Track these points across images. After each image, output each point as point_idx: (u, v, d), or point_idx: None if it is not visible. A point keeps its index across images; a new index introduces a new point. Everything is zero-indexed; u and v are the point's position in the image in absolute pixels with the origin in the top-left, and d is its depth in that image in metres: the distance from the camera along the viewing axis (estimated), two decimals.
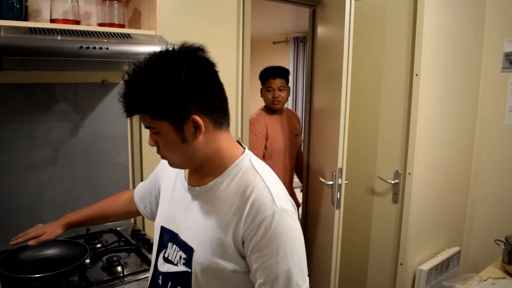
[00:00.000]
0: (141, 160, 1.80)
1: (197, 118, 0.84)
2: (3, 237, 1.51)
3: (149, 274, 1.04)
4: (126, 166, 1.80)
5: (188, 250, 0.91)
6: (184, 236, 0.93)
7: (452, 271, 2.50)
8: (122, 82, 0.85)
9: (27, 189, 1.57)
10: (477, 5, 2.42)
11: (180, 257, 0.93)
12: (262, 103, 2.63)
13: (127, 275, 1.38)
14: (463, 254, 2.62)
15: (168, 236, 0.98)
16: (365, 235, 2.50)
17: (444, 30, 2.21)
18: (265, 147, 2.50)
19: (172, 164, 0.93)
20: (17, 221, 1.55)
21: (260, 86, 2.61)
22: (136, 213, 1.25)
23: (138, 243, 1.63)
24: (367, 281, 2.54)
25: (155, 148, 0.92)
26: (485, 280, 1.79)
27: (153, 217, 1.21)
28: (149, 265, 1.45)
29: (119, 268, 1.40)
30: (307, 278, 0.87)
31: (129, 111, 0.85)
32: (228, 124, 0.93)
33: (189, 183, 0.97)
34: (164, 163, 1.09)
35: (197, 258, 0.89)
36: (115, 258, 1.45)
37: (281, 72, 2.56)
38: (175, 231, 0.96)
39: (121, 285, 1.35)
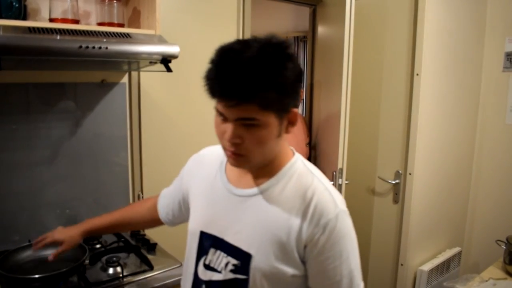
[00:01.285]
0: (141, 160, 1.80)
1: (296, 111, 0.83)
2: (3, 237, 1.51)
3: (186, 282, 0.98)
4: (126, 166, 1.79)
5: (242, 256, 0.87)
6: (234, 241, 0.88)
7: (453, 271, 2.49)
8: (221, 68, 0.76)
9: (26, 189, 1.56)
10: (478, 5, 2.41)
11: (228, 263, 0.88)
12: None
13: (126, 276, 1.38)
14: (464, 255, 2.61)
15: (210, 242, 0.92)
16: (365, 235, 2.49)
17: (445, 29, 2.20)
18: None
19: (248, 162, 0.85)
20: (16, 221, 1.55)
21: None
22: (160, 221, 1.20)
23: (138, 244, 1.62)
24: (368, 282, 2.53)
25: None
26: (486, 281, 1.78)
27: (173, 224, 1.17)
28: (149, 265, 1.45)
29: (118, 269, 1.40)
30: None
31: (243, 100, 0.76)
32: None
33: (235, 185, 0.92)
34: (191, 166, 1.07)
35: (257, 264, 0.85)
36: (114, 258, 1.44)
37: None
38: (219, 235, 0.91)
39: (121, 286, 1.34)
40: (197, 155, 1.08)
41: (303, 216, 0.84)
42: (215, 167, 0.99)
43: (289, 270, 0.85)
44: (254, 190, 0.89)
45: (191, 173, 1.06)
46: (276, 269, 0.84)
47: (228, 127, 0.81)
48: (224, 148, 0.86)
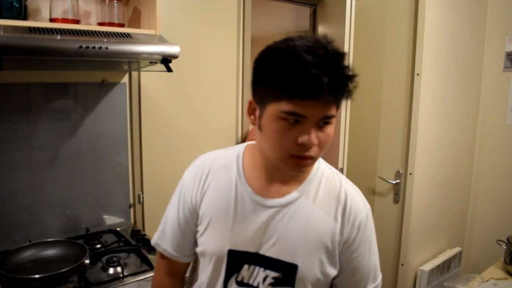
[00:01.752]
0: (141, 160, 1.80)
1: None
2: (3, 237, 1.51)
3: None
4: (126, 166, 1.79)
5: (285, 267, 0.84)
6: (273, 253, 0.85)
7: (454, 271, 2.49)
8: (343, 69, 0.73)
9: (26, 189, 1.56)
10: (479, 4, 2.41)
11: (266, 277, 0.85)
12: None
13: (127, 276, 1.38)
14: (464, 255, 2.61)
15: (242, 258, 0.86)
16: None
17: (445, 29, 2.20)
18: None
19: (312, 164, 0.82)
20: (17, 221, 1.55)
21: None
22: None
23: (138, 244, 1.62)
24: None
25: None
26: (487, 281, 1.78)
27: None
28: (149, 265, 1.45)
29: (119, 269, 1.40)
30: None
31: (342, 98, 0.75)
32: None
33: (264, 196, 0.86)
34: (193, 183, 0.92)
35: (303, 274, 0.84)
36: (114, 258, 1.44)
37: None
38: (253, 251, 0.86)
39: (121, 286, 1.34)
40: (196, 169, 0.93)
41: (342, 218, 0.86)
42: (229, 178, 0.89)
43: (333, 272, 0.87)
44: (287, 198, 0.86)
45: (196, 191, 0.91)
46: (323, 275, 0.85)
47: (307, 130, 0.74)
48: (288, 156, 0.77)
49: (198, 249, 0.92)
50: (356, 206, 0.87)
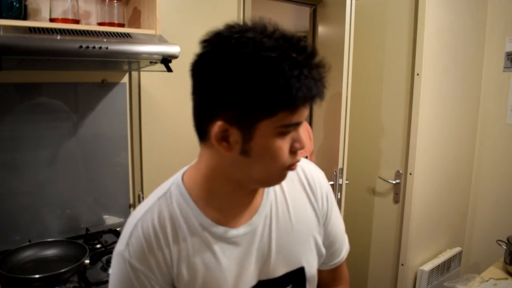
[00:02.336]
0: (141, 160, 1.80)
1: None
2: (3, 237, 1.51)
3: None
4: (126, 166, 1.79)
5: (292, 276, 0.80)
6: (278, 272, 0.78)
7: (454, 271, 2.49)
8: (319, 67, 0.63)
9: (26, 189, 1.56)
10: (479, 4, 2.41)
11: None
12: None
13: None
14: (464, 255, 2.61)
15: None
16: (366, 235, 2.49)
17: (445, 29, 2.20)
18: None
19: None
20: (17, 221, 1.55)
21: None
22: None
23: None
24: (368, 282, 2.53)
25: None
26: (487, 281, 1.78)
27: None
28: None
29: None
30: None
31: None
32: None
33: (234, 226, 0.74)
34: (145, 264, 0.70)
35: (309, 270, 0.82)
36: None
37: None
38: (255, 282, 0.77)
39: None
40: (145, 241, 0.70)
41: (314, 196, 0.85)
42: (192, 227, 0.72)
43: (324, 250, 0.87)
44: (261, 211, 0.77)
45: (164, 264, 0.71)
46: (319, 256, 0.86)
47: (298, 135, 0.67)
48: (284, 169, 0.69)
49: None
50: (317, 177, 0.86)
